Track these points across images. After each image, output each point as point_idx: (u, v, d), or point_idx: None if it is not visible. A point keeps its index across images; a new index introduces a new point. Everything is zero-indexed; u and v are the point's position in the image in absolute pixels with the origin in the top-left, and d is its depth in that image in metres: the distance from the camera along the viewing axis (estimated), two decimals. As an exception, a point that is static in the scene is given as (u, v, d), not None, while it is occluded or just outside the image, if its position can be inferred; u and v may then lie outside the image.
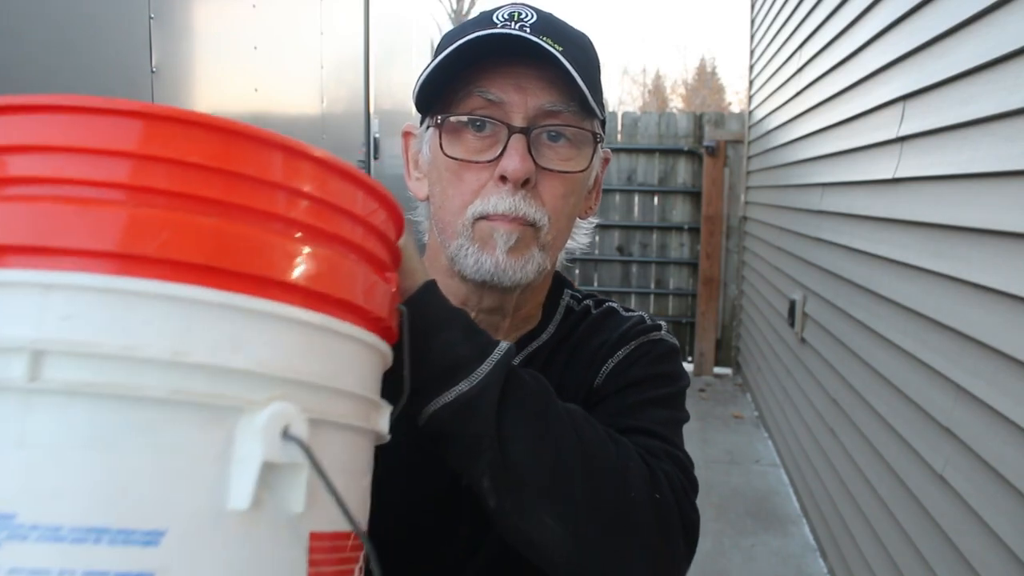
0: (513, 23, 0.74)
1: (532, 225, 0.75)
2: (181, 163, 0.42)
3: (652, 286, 5.99)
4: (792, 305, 3.50)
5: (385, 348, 0.54)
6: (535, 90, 0.74)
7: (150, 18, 1.61)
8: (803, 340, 3.34)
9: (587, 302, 0.91)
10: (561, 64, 0.71)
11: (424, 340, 0.61)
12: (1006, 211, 1.54)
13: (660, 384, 0.81)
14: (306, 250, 0.45)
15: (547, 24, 0.75)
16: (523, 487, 0.62)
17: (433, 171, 0.80)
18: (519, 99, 0.74)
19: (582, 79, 0.72)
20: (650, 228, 5.93)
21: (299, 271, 0.44)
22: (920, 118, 2.04)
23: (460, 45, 0.71)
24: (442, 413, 0.61)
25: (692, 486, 0.74)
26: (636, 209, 5.97)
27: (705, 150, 5.59)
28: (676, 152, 5.83)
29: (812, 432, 3.11)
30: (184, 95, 1.79)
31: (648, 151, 5.86)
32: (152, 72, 1.63)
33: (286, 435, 0.41)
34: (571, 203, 0.79)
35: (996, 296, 1.56)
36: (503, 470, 0.62)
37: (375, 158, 3.41)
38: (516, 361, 0.83)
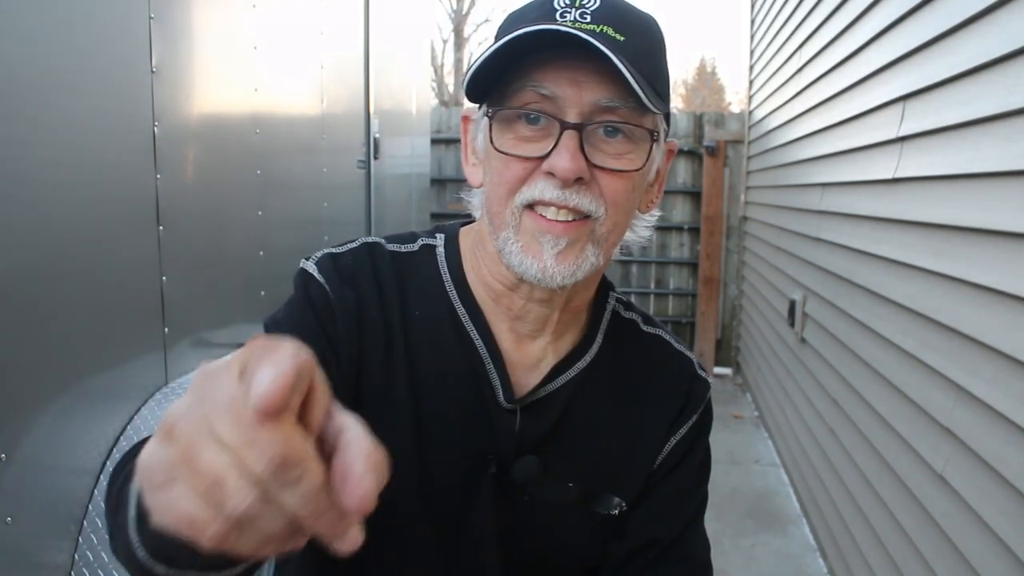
0: (574, 8, 0.71)
1: (587, 217, 0.73)
2: None
3: (652, 286, 5.99)
4: (792, 305, 3.50)
5: None
6: (591, 84, 0.70)
7: (150, 18, 1.61)
8: (803, 340, 3.34)
9: (632, 315, 0.93)
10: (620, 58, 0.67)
11: None
12: (1006, 211, 1.53)
13: (705, 464, 0.92)
14: None
15: (610, 9, 0.72)
16: None
17: (486, 160, 0.79)
18: (574, 94, 0.70)
19: (644, 71, 0.69)
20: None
21: None
22: (920, 118, 2.04)
23: (514, 38, 0.68)
24: None
25: None
26: (636, 209, 5.96)
27: (705, 150, 5.59)
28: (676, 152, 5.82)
29: (812, 432, 3.11)
30: (184, 95, 1.79)
31: (648, 151, 5.85)
32: (152, 72, 1.63)
33: None
34: (630, 198, 0.76)
35: (996, 296, 1.56)
36: None
37: (375, 158, 3.40)
38: (564, 380, 0.85)
